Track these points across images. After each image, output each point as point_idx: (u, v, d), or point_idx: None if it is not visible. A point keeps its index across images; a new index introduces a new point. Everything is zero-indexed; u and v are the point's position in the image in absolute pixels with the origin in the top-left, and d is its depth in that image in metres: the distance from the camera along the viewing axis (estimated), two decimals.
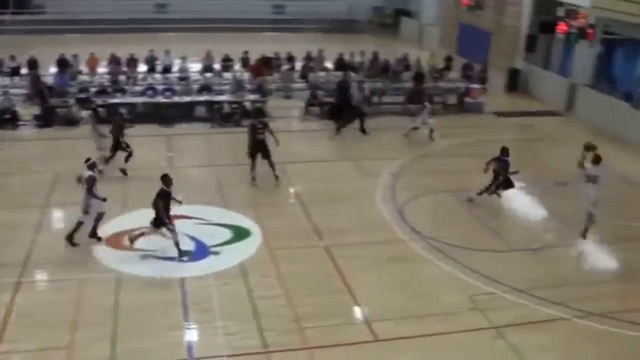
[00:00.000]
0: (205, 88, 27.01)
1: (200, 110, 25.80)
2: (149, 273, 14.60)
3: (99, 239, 15.75)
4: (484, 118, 27.90)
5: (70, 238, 15.51)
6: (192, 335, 12.68)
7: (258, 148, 19.32)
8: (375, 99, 27.92)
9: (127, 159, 19.84)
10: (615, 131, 25.21)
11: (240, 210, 17.56)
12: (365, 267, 15.21)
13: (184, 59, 30.15)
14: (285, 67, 31.02)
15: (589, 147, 16.89)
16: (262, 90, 26.78)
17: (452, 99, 29.13)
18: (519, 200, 19.62)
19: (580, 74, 29.11)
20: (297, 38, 41.02)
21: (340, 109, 25.52)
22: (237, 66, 30.72)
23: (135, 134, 21.15)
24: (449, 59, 33.61)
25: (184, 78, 28.46)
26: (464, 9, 36.98)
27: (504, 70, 32.79)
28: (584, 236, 16.91)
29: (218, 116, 25.03)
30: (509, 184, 18.49)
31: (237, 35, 40.71)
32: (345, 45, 34.78)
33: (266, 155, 19.31)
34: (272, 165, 19.37)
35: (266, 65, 29.88)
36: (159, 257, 15.20)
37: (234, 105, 25.58)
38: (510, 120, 27.64)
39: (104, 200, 15.63)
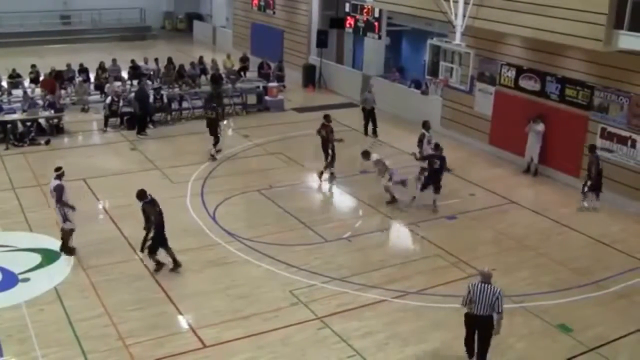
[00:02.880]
0: None
1: None
2: None
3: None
4: (285, 115, 28.42)
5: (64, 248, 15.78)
6: None
7: None
8: (174, 105, 27.68)
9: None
10: (408, 117, 26.48)
11: (48, 232, 16.78)
12: (184, 274, 15.09)
13: None
14: (79, 79, 29.92)
15: None
16: (54, 106, 25.61)
17: (252, 99, 29.42)
18: (328, 191, 20.21)
19: (371, 65, 30.36)
20: (88, 48, 39.61)
21: (141, 118, 25.15)
22: (27, 82, 29.28)
23: None
24: (244, 60, 33.91)
25: None
26: (254, 9, 37.40)
27: (299, 67, 33.56)
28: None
29: (12, 136, 23.75)
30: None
31: (23, 49, 38.63)
32: (140, 53, 34.17)
33: None
34: None
35: (58, 78, 28.72)
36: None
37: (29, 123, 24.40)
38: (311, 114, 28.28)
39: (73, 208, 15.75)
